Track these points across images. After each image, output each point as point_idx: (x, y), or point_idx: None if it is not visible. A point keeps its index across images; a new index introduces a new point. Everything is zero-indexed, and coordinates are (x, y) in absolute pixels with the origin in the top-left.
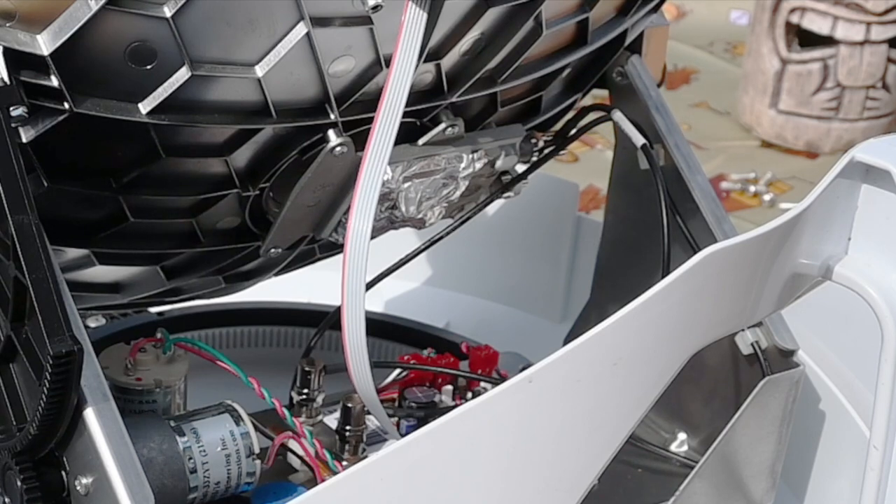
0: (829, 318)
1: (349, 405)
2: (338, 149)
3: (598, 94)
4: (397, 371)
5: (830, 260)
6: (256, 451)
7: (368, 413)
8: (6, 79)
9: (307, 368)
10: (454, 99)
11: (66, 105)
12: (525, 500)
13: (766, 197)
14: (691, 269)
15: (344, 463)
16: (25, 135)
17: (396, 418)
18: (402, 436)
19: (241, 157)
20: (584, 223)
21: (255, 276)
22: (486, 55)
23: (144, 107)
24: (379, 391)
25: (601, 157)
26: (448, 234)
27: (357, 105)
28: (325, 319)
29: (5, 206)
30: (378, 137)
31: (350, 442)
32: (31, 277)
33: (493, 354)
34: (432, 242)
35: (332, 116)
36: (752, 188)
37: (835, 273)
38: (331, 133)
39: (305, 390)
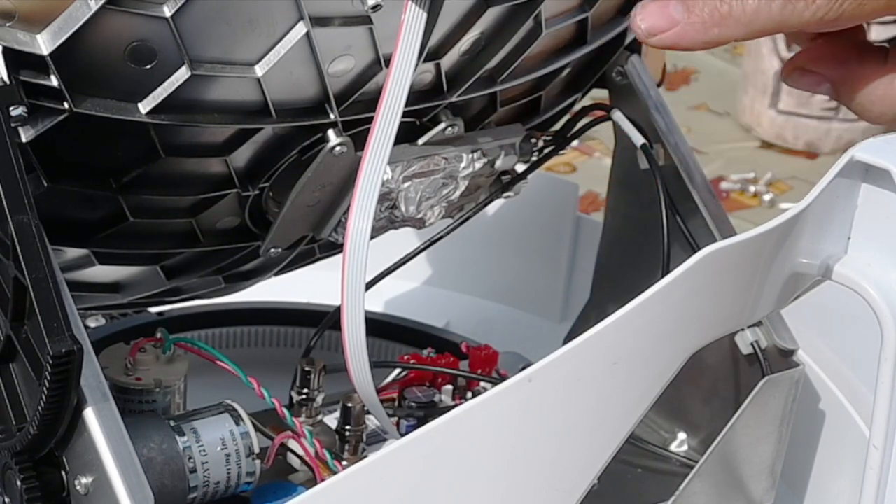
0: (829, 318)
1: (349, 405)
2: (337, 148)
3: (598, 95)
4: (397, 371)
5: (830, 259)
6: (256, 450)
7: (368, 413)
8: (6, 79)
9: (307, 368)
10: (454, 99)
11: (66, 105)
12: (524, 500)
13: (766, 197)
14: (691, 269)
15: (344, 463)
16: (25, 135)
17: (396, 418)
18: (402, 435)
19: (241, 156)
20: (584, 223)
21: (255, 275)
22: (486, 55)
23: (144, 106)
24: (379, 391)
25: (599, 165)
26: (448, 233)
27: (357, 105)
28: (325, 319)
29: (5, 206)
30: (378, 137)
31: (350, 442)
32: (30, 277)
33: (493, 354)
34: (432, 242)
35: (332, 116)
36: (752, 188)
37: (834, 272)
38: (330, 133)
39: (305, 390)
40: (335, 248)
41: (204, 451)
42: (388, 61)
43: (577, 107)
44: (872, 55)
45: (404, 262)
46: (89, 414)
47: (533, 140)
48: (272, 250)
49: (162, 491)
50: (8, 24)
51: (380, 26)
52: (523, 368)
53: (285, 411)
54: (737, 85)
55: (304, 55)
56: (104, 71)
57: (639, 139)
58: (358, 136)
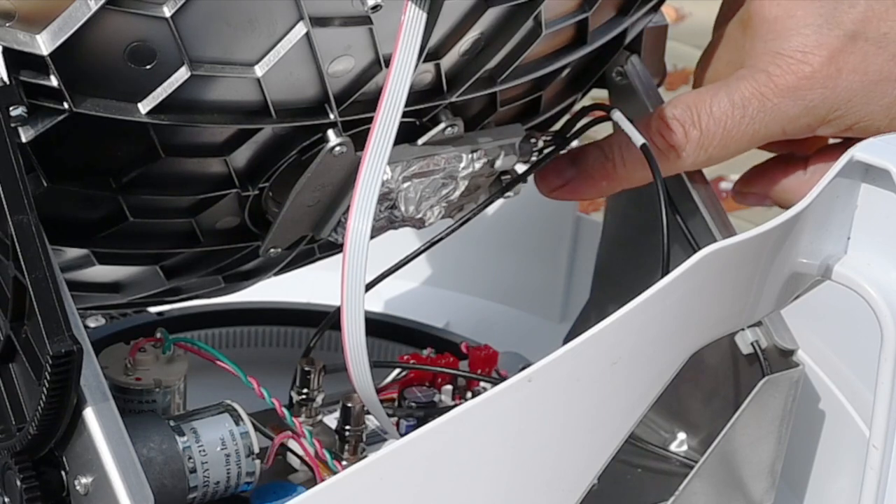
0: (829, 318)
1: (349, 405)
2: (337, 148)
3: (598, 95)
4: (397, 371)
5: (830, 259)
6: (256, 450)
7: (368, 413)
8: (6, 79)
9: (307, 368)
10: (454, 99)
11: (66, 105)
12: (524, 500)
13: None
14: (691, 268)
15: (344, 463)
16: (25, 135)
17: (396, 418)
18: (402, 435)
19: (241, 156)
20: (583, 223)
21: (255, 275)
22: (486, 55)
23: (144, 107)
24: (379, 391)
25: None
26: (449, 235)
27: (356, 105)
28: (325, 319)
29: (5, 206)
30: (377, 137)
31: (350, 442)
32: (30, 277)
33: (493, 354)
34: (433, 243)
35: (332, 116)
36: None
37: (834, 272)
38: (330, 133)
39: (305, 390)
40: (335, 248)
41: (204, 451)
42: (388, 61)
43: (577, 107)
44: (794, 168)
45: (404, 264)
46: (89, 414)
47: (533, 140)
48: (272, 250)
49: (162, 491)
50: (8, 24)
51: (380, 26)
52: (523, 368)
53: (285, 411)
54: None
55: (303, 55)
56: (104, 71)
57: (639, 139)
58: (358, 136)
